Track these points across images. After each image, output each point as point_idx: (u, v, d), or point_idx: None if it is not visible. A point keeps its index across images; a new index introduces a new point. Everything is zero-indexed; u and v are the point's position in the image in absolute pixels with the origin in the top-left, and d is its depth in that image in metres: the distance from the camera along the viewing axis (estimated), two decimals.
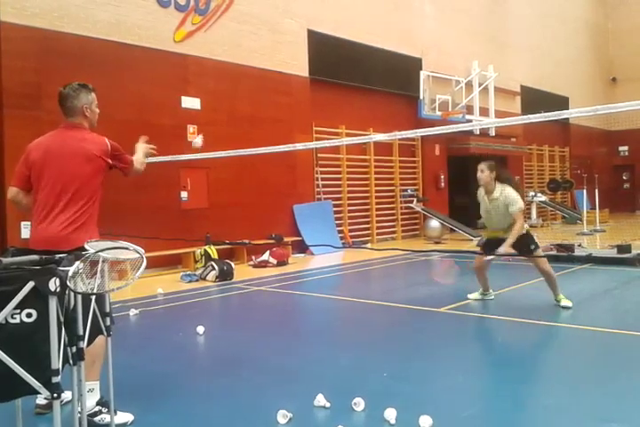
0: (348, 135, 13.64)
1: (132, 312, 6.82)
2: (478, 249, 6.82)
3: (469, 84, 17.75)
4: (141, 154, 4.17)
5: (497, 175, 6.62)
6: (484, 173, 6.56)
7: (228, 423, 3.60)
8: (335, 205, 14.06)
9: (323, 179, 13.77)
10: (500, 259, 10.40)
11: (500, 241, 6.43)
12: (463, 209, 17.99)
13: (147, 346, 5.56)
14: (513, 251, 6.41)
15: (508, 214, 6.49)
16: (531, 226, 19.50)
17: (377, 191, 15.33)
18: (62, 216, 3.50)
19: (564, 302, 6.63)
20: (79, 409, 2.87)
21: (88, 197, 3.59)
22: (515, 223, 6.40)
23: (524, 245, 6.49)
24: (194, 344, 5.65)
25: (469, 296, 7.27)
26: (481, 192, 6.76)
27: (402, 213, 16.12)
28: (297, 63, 13.09)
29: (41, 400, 3.65)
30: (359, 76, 14.51)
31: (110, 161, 3.70)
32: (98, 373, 3.57)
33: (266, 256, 11.06)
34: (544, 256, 7.11)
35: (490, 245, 6.72)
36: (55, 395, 2.44)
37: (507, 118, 6.30)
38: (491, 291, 7.25)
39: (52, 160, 3.58)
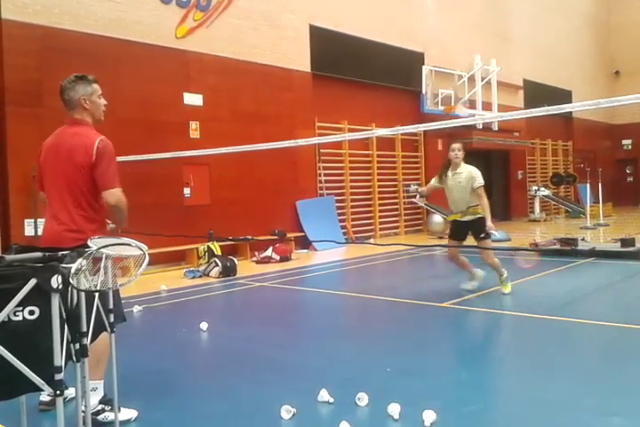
0: (350, 130, 13.61)
1: (136, 309, 6.83)
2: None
3: (472, 79, 17.69)
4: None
5: (465, 156, 7.20)
6: (460, 151, 7.13)
7: (231, 419, 3.60)
8: (338, 201, 14.06)
9: (325, 174, 13.75)
10: (504, 253, 10.40)
11: (462, 223, 7.06)
12: None
13: (150, 342, 5.57)
14: (492, 227, 6.87)
15: (468, 191, 6.94)
16: (534, 220, 19.62)
17: (380, 186, 15.32)
18: (63, 215, 3.50)
19: (505, 289, 7.08)
20: (83, 407, 2.87)
21: (88, 197, 3.54)
22: (480, 200, 6.89)
23: (479, 230, 6.93)
24: (197, 340, 5.66)
25: (462, 286, 7.44)
26: (446, 171, 7.22)
27: (405, 209, 16.11)
28: (299, 59, 13.06)
29: (45, 397, 3.65)
30: (361, 71, 14.47)
31: (94, 159, 3.47)
32: (102, 372, 3.56)
33: (269, 252, 11.06)
34: (492, 249, 7.55)
35: (455, 229, 7.30)
36: (58, 392, 2.44)
37: (509, 112, 6.30)
38: (474, 271, 7.44)
39: (50, 160, 3.59)
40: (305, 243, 12.55)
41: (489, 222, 6.79)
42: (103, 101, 3.71)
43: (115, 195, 3.53)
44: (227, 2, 11.60)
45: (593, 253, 10.17)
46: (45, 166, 3.62)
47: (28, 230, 8.55)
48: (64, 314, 2.52)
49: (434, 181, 7.51)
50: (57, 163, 3.56)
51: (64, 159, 3.53)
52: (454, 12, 17.66)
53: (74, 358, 2.66)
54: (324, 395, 3.75)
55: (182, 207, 10.79)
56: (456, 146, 7.20)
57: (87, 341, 2.77)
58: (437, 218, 15.29)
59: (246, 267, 10.39)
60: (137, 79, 10.11)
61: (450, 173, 7.15)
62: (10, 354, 2.36)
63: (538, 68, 21.50)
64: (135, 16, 10.18)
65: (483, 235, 6.93)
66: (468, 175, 6.98)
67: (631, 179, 27.03)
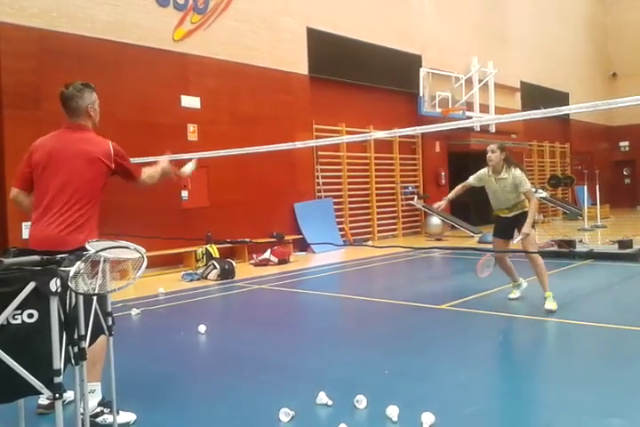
0: (348, 133, 13.63)
1: (134, 312, 6.82)
2: (478, 245, 6.85)
3: (469, 81, 17.73)
4: (159, 170, 4.14)
5: (506, 156, 6.55)
6: (494, 153, 6.48)
7: (230, 422, 3.60)
8: (336, 203, 14.06)
9: (323, 177, 13.76)
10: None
11: (508, 220, 6.55)
12: (464, 206, 17.95)
13: (148, 345, 5.57)
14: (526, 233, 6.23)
15: (514, 194, 6.46)
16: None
17: (377, 189, 15.33)
18: (60, 218, 3.49)
19: (549, 305, 6.18)
20: (81, 410, 2.87)
21: (87, 200, 3.56)
22: (530, 202, 6.38)
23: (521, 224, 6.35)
24: (195, 343, 5.65)
25: (510, 296, 6.96)
26: (486, 173, 6.63)
27: (403, 211, 16.12)
28: (296, 61, 13.07)
29: (43, 400, 3.65)
30: (359, 73, 14.49)
31: (113, 165, 3.65)
32: (99, 374, 3.57)
33: (267, 255, 11.06)
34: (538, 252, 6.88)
35: (500, 226, 6.73)
36: (57, 395, 2.44)
37: (507, 115, 6.31)
38: (520, 280, 6.99)
39: (55, 162, 3.57)
40: (303, 245, 12.55)
41: (527, 228, 6.22)
42: (98, 109, 3.83)
43: (143, 176, 3.96)
44: (224, 4, 11.62)
45: (591, 255, 10.18)
46: (44, 169, 3.59)
47: (26, 233, 8.52)
48: (63, 317, 2.52)
49: (472, 180, 6.83)
50: (60, 166, 3.55)
51: (74, 162, 3.54)
52: (451, 15, 17.70)
53: (72, 361, 2.66)
54: (322, 397, 3.75)
55: (180, 210, 10.78)
56: (490, 147, 6.56)
57: (86, 344, 2.77)
58: (435, 220, 15.30)
59: (244, 269, 10.39)
60: (135, 82, 10.11)
61: (493, 178, 6.56)
62: (9, 357, 2.37)
63: (535, 70, 21.55)
64: (133, 19, 10.19)
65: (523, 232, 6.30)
66: (512, 181, 6.40)
67: (628, 181, 27.08)
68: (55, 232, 3.47)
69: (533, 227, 6.44)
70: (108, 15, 9.84)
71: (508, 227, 6.61)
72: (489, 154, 6.50)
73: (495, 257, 6.91)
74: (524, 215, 6.41)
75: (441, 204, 6.93)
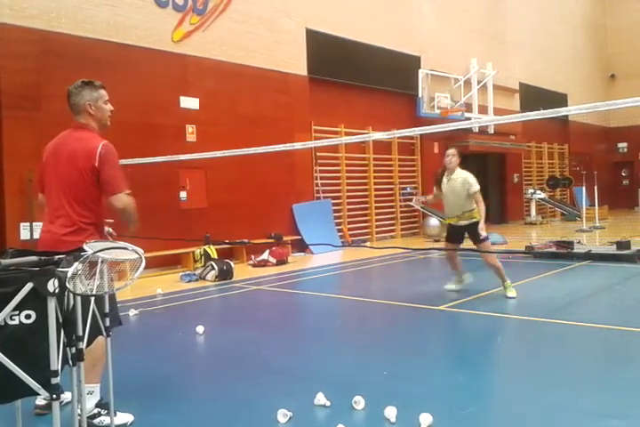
0: (347, 134, 13.62)
1: (132, 312, 6.82)
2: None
3: (468, 82, 17.75)
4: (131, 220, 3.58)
5: (461, 162, 7.21)
6: (455, 156, 7.13)
7: (228, 423, 3.60)
8: (334, 204, 14.06)
9: (322, 178, 13.76)
10: (500, 256, 10.41)
11: (459, 228, 7.20)
12: None
13: (146, 346, 5.56)
14: (484, 234, 6.99)
15: (463, 197, 7.01)
16: (530, 223, 19.65)
17: (376, 190, 15.33)
18: (60, 219, 3.49)
19: (510, 293, 7.10)
20: (79, 411, 2.87)
21: (84, 201, 3.51)
22: (478, 205, 6.99)
23: (475, 234, 7.02)
24: (194, 344, 5.65)
25: (446, 286, 7.63)
26: (442, 177, 7.26)
27: (401, 212, 16.12)
28: (295, 62, 13.08)
29: (40, 401, 3.64)
30: (358, 74, 14.50)
31: (96, 164, 3.44)
32: (99, 376, 3.55)
33: (265, 255, 11.06)
34: (494, 252, 7.75)
35: (451, 233, 7.43)
36: (54, 396, 2.43)
37: (505, 116, 6.33)
38: (464, 276, 7.61)
39: (51, 163, 3.58)
40: (301, 246, 12.55)
41: (481, 224, 6.93)
42: (109, 107, 3.70)
43: (121, 200, 3.48)
44: (223, 6, 11.62)
45: (589, 256, 10.19)
46: (47, 170, 3.62)
47: (24, 234, 8.53)
48: (60, 318, 2.52)
49: (435, 189, 7.50)
50: (58, 166, 3.55)
51: (65, 163, 3.52)
52: (451, 16, 17.72)
53: (70, 362, 2.66)
54: (320, 398, 3.75)
55: (178, 211, 10.78)
56: (450, 151, 7.21)
57: (83, 345, 2.77)
58: (434, 221, 15.30)
59: (243, 270, 10.38)
60: (133, 83, 10.10)
61: (445, 179, 7.19)
62: (6, 358, 2.36)
63: (534, 71, 21.57)
64: (132, 20, 10.18)
65: (481, 237, 7.01)
66: (462, 181, 7.02)
67: (626, 182, 27.11)
68: (56, 234, 3.47)
69: (487, 237, 7.12)
70: (107, 16, 9.83)
71: (458, 233, 7.30)
72: (450, 158, 7.15)
73: (446, 255, 7.71)
74: (473, 224, 7.03)
75: (427, 197, 7.83)
